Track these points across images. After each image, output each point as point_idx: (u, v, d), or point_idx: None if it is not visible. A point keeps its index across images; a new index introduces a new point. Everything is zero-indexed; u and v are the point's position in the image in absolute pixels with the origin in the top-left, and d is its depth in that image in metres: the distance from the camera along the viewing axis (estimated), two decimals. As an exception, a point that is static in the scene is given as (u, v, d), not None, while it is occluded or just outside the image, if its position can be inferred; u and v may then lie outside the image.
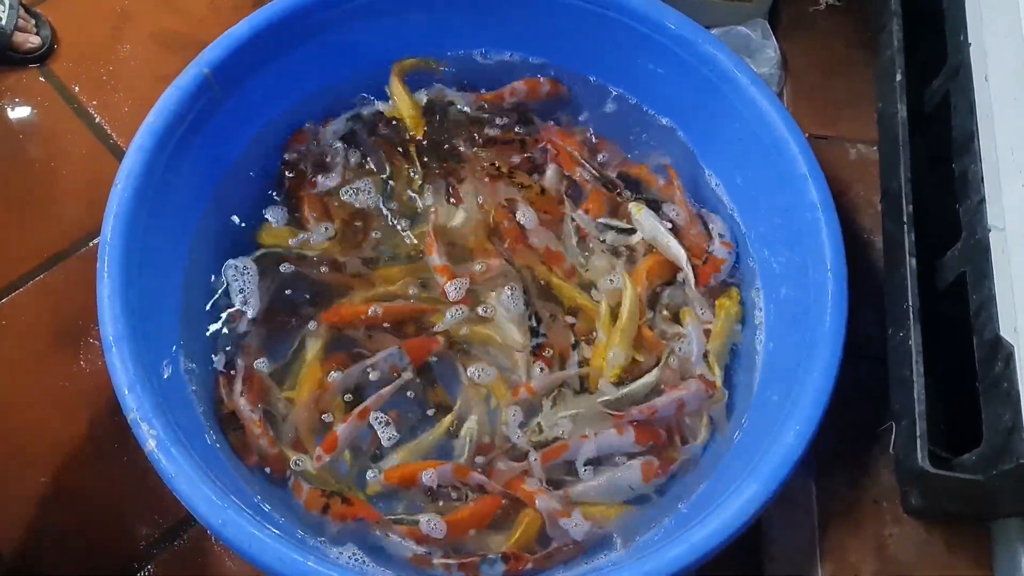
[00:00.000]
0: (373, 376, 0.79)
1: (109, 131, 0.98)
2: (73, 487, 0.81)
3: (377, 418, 0.77)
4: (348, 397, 0.78)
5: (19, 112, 0.99)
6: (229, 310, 0.80)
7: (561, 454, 0.75)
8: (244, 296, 0.80)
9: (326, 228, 0.85)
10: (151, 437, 0.64)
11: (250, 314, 0.80)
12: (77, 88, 1.00)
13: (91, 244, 0.91)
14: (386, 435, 0.77)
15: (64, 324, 0.87)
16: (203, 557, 0.79)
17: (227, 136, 0.85)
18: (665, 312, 0.83)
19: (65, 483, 0.81)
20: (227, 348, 0.79)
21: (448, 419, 0.77)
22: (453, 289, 0.81)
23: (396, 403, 0.78)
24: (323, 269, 0.83)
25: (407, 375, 0.78)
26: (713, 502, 0.68)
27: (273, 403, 0.77)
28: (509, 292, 0.82)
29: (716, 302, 0.83)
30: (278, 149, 0.89)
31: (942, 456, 0.69)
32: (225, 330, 0.80)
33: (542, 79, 0.93)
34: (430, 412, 0.78)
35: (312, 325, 0.80)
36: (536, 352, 0.80)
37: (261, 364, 0.79)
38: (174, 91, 0.78)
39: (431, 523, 0.72)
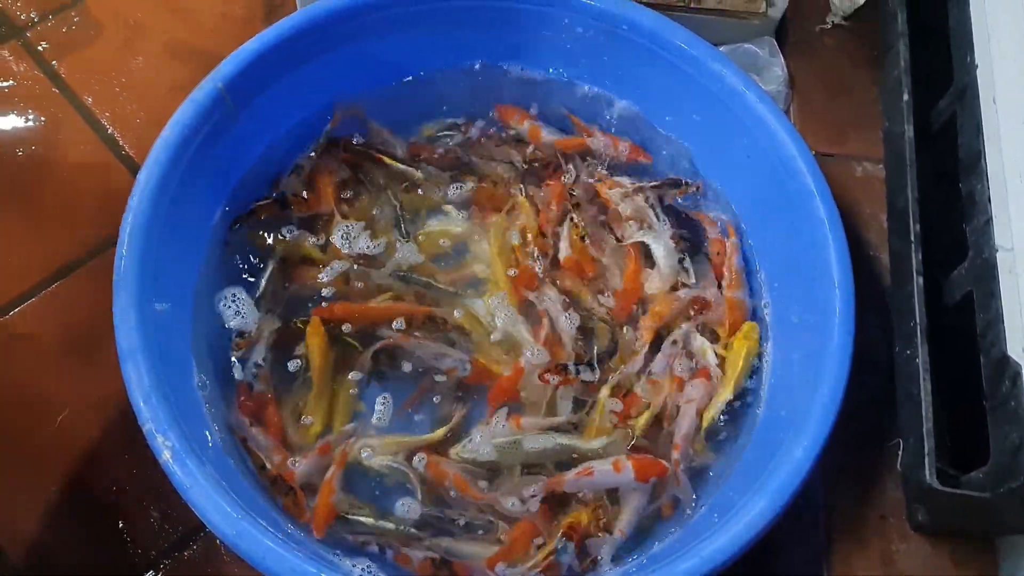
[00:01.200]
0: (406, 368, 0.80)
1: (121, 142, 0.99)
2: (84, 494, 0.81)
3: (384, 399, 0.79)
4: (354, 390, 0.79)
5: (32, 123, 1.00)
6: (237, 337, 0.81)
7: (556, 488, 0.75)
8: (244, 321, 0.81)
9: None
10: (166, 448, 0.64)
11: (261, 351, 0.80)
12: (90, 99, 1.01)
13: (103, 254, 0.91)
14: (377, 415, 0.79)
15: (76, 333, 0.87)
16: (212, 567, 0.79)
17: (239, 150, 0.85)
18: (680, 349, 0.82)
19: (76, 490, 0.81)
20: (243, 381, 0.79)
21: (439, 433, 0.78)
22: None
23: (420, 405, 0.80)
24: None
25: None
26: (722, 517, 0.68)
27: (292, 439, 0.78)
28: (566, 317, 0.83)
29: (734, 342, 0.81)
30: (284, 166, 0.90)
31: (949, 473, 0.69)
32: (237, 356, 0.80)
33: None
34: (417, 417, 0.80)
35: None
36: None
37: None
38: (189, 105, 0.79)
39: None
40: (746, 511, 0.66)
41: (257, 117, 0.86)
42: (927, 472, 0.68)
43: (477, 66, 0.93)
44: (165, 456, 0.65)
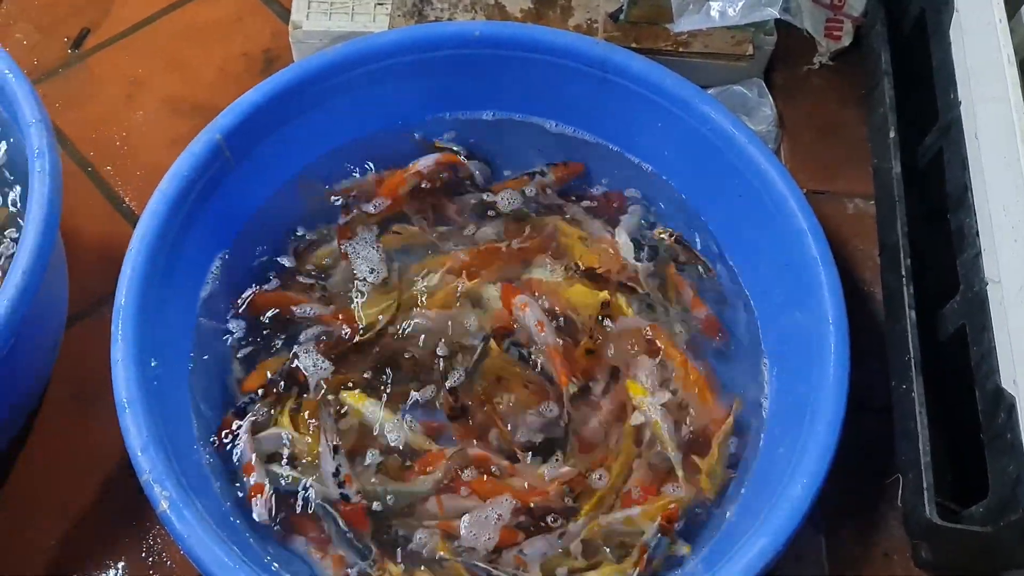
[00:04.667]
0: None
1: (122, 196, 1.00)
2: (83, 550, 0.81)
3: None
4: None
5: (35, 178, 1.01)
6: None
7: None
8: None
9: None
10: (163, 498, 0.65)
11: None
12: (92, 154, 1.03)
13: (105, 307, 0.92)
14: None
15: (79, 386, 0.88)
16: (212, 619, 0.78)
17: (238, 201, 0.87)
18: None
19: (75, 546, 0.81)
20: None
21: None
22: None
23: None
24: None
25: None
26: (722, 557, 0.68)
27: None
28: None
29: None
30: (284, 221, 0.90)
31: (951, 508, 0.69)
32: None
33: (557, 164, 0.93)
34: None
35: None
36: None
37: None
38: (187, 157, 0.80)
39: None
40: (745, 551, 0.65)
41: (256, 168, 0.87)
42: (927, 507, 0.68)
43: (468, 114, 0.95)
44: (162, 506, 0.65)
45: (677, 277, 0.87)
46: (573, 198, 0.93)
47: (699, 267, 0.88)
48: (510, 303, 0.83)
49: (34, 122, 0.75)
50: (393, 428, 0.78)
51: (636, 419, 0.78)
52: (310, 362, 0.81)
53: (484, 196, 0.92)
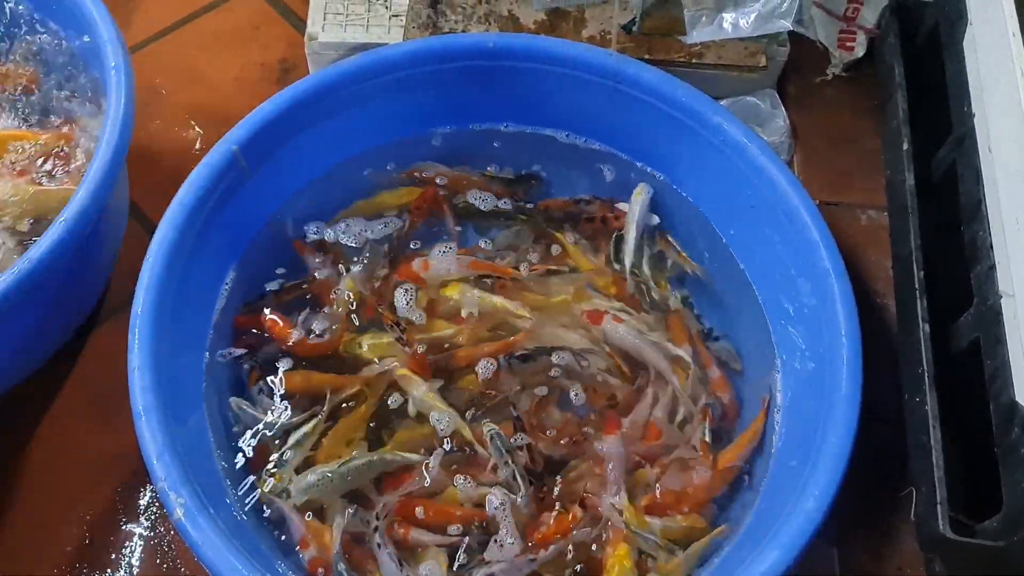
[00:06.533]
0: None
1: (139, 204, 1.01)
2: (96, 554, 0.81)
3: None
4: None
5: (53, 186, 1.02)
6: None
7: None
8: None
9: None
10: (179, 506, 0.65)
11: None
12: (109, 163, 1.04)
13: (120, 315, 0.93)
14: None
15: (94, 394, 0.89)
16: (224, 626, 0.79)
17: (252, 209, 0.88)
18: None
19: (88, 550, 0.81)
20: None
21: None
22: None
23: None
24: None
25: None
26: (734, 570, 0.68)
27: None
28: None
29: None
30: (297, 227, 0.91)
31: (964, 523, 0.69)
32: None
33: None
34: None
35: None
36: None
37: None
38: (204, 168, 0.81)
39: None
40: (758, 564, 0.65)
41: (271, 177, 0.88)
42: (940, 522, 0.67)
43: (480, 125, 0.96)
44: (178, 514, 0.65)
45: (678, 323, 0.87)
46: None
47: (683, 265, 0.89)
48: (415, 276, 0.86)
49: (110, 40, 0.83)
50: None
51: (465, 312, 0.83)
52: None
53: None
